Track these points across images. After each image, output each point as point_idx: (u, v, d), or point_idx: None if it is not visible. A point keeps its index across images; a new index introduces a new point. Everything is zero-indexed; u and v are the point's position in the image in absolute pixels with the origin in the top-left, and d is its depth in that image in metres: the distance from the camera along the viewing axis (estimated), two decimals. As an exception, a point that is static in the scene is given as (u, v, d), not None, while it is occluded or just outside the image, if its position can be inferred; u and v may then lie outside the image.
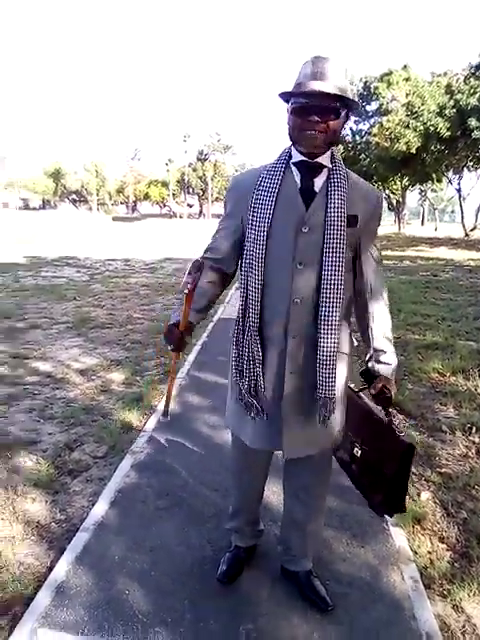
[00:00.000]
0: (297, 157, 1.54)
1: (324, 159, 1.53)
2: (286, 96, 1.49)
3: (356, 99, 1.56)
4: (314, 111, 1.42)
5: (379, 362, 1.64)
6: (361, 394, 1.76)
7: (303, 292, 1.53)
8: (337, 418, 1.68)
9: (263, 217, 1.54)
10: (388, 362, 1.63)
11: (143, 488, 2.65)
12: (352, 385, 1.80)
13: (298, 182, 1.55)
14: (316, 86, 1.40)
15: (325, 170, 1.54)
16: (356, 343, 1.77)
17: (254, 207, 1.56)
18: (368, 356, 1.68)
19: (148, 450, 3.04)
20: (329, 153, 1.54)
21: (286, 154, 1.59)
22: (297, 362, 1.59)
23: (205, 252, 1.76)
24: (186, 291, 1.59)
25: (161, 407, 3.33)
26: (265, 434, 1.68)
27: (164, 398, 1.83)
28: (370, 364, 1.66)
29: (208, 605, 1.90)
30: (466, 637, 1.81)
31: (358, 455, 1.74)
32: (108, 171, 76.21)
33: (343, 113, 1.47)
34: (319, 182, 1.54)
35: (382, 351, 1.64)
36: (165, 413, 1.90)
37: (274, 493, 2.50)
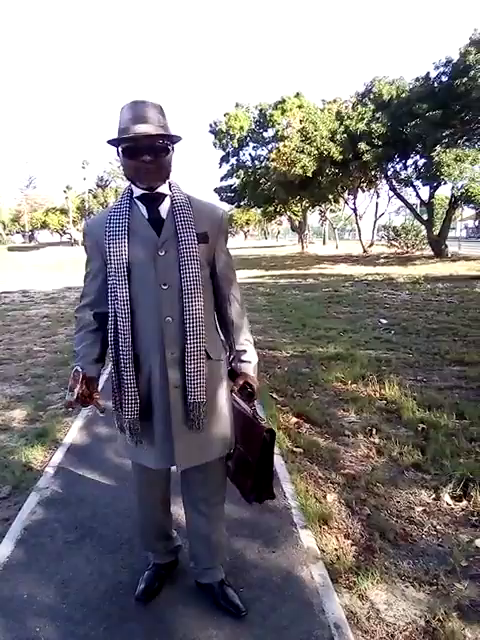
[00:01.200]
0: (138, 192, 1.68)
1: (163, 188, 1.67)
2: (115, 142, 1.60)
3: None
4: (144, 152, 1.56)
5: (240, 361, 1.82)
6: (234, 397, 1.89)
7: (172, 310, 1.65)
8: (223, 423, 1.80)
9: (119, 251, 1.64)
10: (248, 360, 1.82)
11: (51, 523, 2.55)
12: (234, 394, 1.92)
13: (145, 213, 1.68)
14: (141, 129, 1.54)
15: (167, 197, 1.69)
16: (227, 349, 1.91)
17: (109, 244, 1.65)
18: (231, 358, 1.85)
19: (55, 485, 2.94)
20: (166, 183, 1.69)
21: (128, 191, 1.72)
22: (177, 376, 1.68)
23: (80, 300, 1.84)
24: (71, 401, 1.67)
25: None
26: (163, 452, 1.74)
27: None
28: (233, 364, 1.83)
29: (124, 628, 1.88)
30: (371, 621, 1.94)
31: (233, 452, 1.88)
32: (1, 200, 72.52)
33: (171, 147, 1.63)
34: (164, 209, 1.68)
35: (242, 351, 1.83)
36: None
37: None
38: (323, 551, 2.34)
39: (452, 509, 2.64)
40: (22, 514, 2.63)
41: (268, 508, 2.59)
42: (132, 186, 1.69)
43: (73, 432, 3.73)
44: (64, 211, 69.38)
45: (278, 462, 3.08)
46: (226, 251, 1.81)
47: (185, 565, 2.16)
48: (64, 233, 74.92)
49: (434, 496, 2.76)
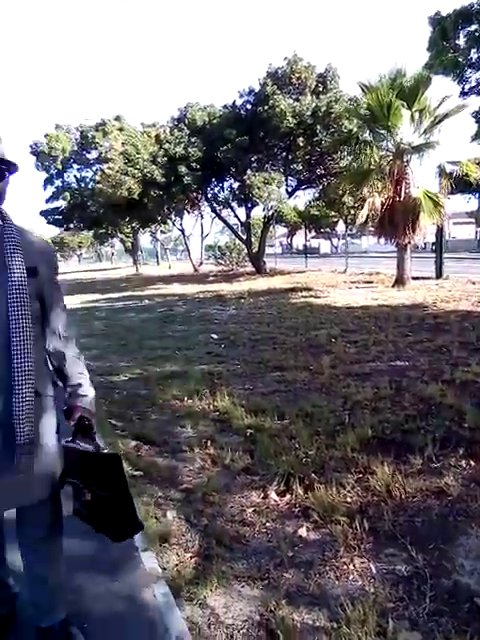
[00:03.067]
0: None
1: None
2: None
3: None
4: None
5: (76, 395, 1.79)
6: (76, 441, 1.78)
7: None
8: (50, 462, 1.73)
9: None
10: (84, 393, 1.79)
11: None
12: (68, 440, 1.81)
13: None
14: None
15: None
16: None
17: None
18: (67, 394, 1.81)
19: None
20: None
21: None
22: (2, 415, 1.59)
23: None
24: None
25: None
26: None
27: None
28: (68, 400, 1.79)
29: None
30: (211, 628, 2.04)
31: (90, 499, 1.76)
32: None
33: (7, 175, 1.62)
34: None
35: (77, 385, 1.80)
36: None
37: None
38: (165, 569, 2.40)
39: (278, 505, 2.89)
40: None
41: (105, 539, 2.56)
42: None
43: None
44: None
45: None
46: (56, 286, 1.80)
47: (24, 617, 2.02)
48: None
49: (263, 495, 2.99)
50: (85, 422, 1.74)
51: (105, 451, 1.70)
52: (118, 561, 2.44)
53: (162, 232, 45.76)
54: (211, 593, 2.22)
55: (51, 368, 1.81)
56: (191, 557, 2.49)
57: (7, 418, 1.58)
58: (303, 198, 25.79)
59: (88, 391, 1.81)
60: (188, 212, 29.92)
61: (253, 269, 23.05)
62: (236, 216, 24.67)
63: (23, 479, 1.64)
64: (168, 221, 31.73)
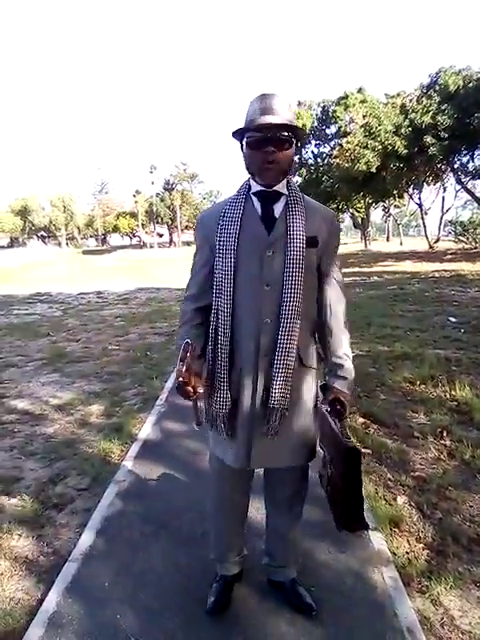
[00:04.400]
0: (256, 187, 1.67)
1: (280, 187, 1.65)
2: (240, 133, 1.61)
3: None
4: (268, 143, 1.54)
5: (335, 376, 1.73)
6: (331, 414, 1.71)
7: (271, 312, 1.63)
8: (305, 432, 1.77)
9: (229, 245, 1.64)
10: (343, 376, 1.72)
11: (128, 515, 2.69)
12: (325, 408, 1.76)
13: (259, 210, 1.67)
14: (267, 119, 1.53)
15: (283, 197, 1.66)
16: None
17: (220, 237, 1.67)
18: (326, 370, 1.78)
19: (131, 478, 3.09)
20: (285, 181, 1.67)
21: (246, 186, 1.71)
22: (265, 379, 1.67)
23: (186, 291, 1.85)
24: (181, 380, 1.59)
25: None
26: (239, 452, 1.74)
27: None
28: (327, 378, 1.75)
29: (199, 621, 1.95)
30: (445, 628, 1.92)
31: (329, 474, 1.72)
32: (76, 205, 76.57)
33: (294, 143, 1.61)
34: (278, 208, 1.66)
35: (338, 366, 1.74)
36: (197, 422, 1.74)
37: (257, 509, 2.55)
38: (394, 554, 2.33)
39: None
40: (102, 505, 2.79)
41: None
42: (251, 181, 1.69)
43: (147, 428, 3.90)
44: (134, 215, 72.02)
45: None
46: (335, 259, 1.76)
47: (253, 563, 2.18)
48: (134, 236, 77.92)
49: (510, 502, 2.67)
50: (337, 406, 1.68)
51: (348, 441, 1.55)
52: (347, 535, 2.43)
53: (396, 207, 43.87)
54: (445, 591, 2.09)
55: (316, 340, 1.81)
56: (423, 548, 2.37)
57: (267, 382, 1.67)
58: None
59: (348, 373, 1.73)
60: (428, 185, 28.03)
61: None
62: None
63: (278, 442, 1.71)
64: (405, 195, 30.19)
